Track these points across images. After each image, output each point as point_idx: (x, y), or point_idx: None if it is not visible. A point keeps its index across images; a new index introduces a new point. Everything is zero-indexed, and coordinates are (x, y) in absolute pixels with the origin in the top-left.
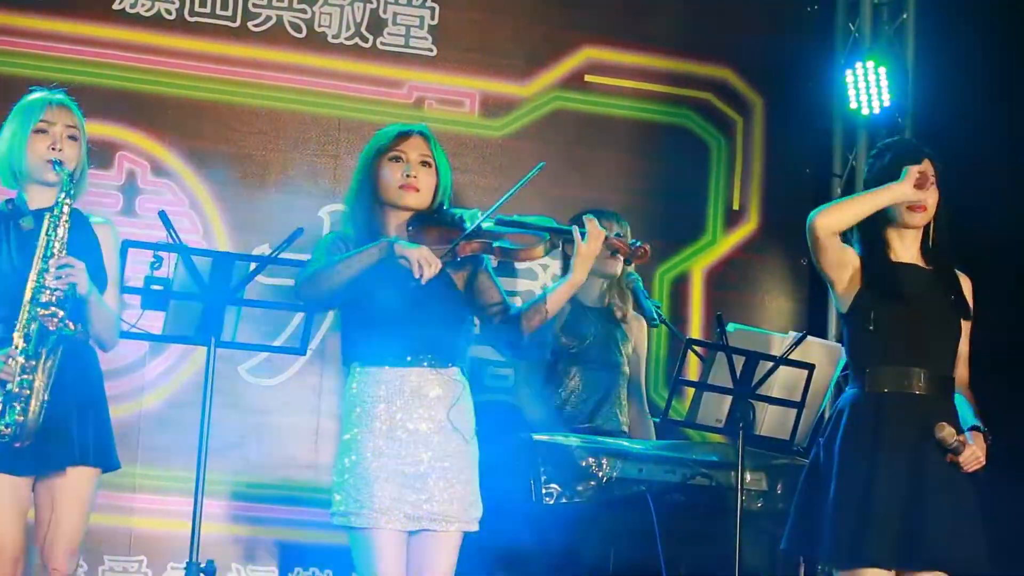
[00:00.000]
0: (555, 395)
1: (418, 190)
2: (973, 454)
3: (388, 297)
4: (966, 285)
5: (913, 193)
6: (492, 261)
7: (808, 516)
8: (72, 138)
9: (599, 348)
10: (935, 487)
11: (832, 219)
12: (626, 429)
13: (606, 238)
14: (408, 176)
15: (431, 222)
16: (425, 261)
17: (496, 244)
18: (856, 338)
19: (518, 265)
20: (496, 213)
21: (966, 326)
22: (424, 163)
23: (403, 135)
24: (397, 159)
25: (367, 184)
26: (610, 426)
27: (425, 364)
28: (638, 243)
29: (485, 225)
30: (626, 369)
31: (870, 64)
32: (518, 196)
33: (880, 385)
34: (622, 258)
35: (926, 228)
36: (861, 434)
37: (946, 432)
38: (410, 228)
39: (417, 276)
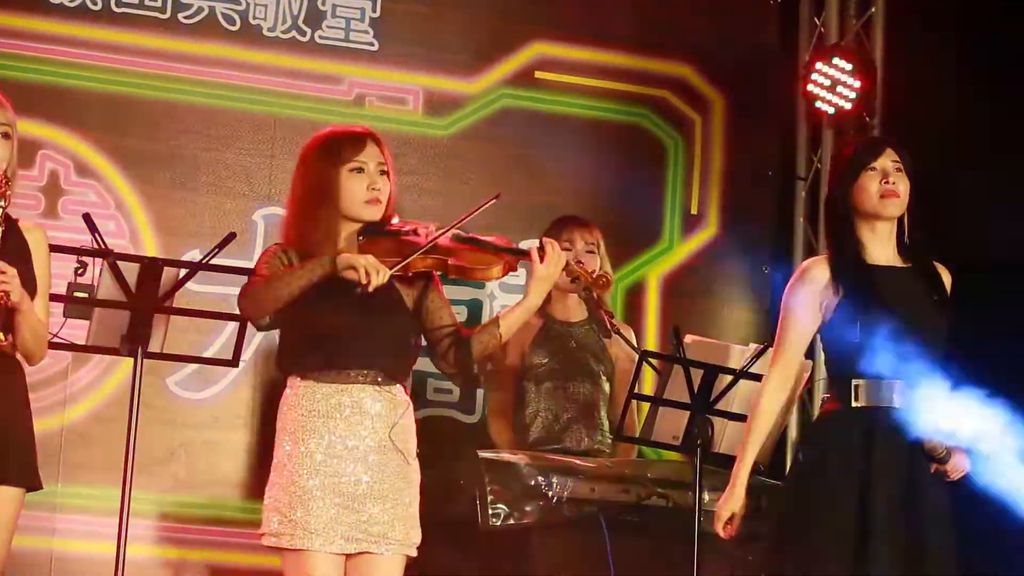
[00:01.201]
0: (521, 416)
1: (381, 202)
2: (959, 463)
3: (334, 310)
4: (946, 279)
5: None
6: (437, 278)
7: (799, 536)
8: (5, 136)
9: (570, 365)
10: (927, 502)
11: None
12: (605, 449)
13: (567, 264)
14: (374, 190)
15: (383, 233)
16: (373, 268)
17: (451, 261)
18: (837, 350)
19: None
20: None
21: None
22: (382, 172)
23: (358, 142)
24: (360, 170)
25: (327, 195)
26: (582, 447)
27: (368, 380)
28: (599, 271)
29: (441, 241)
30: (605, 385)
31: (836, 60)
32: (463, 198)
33: (865, 399)
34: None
35: (899, 221)
36: (849, 452)
37: (935, 443)
38: (361, 239)
39: (364, 283)
